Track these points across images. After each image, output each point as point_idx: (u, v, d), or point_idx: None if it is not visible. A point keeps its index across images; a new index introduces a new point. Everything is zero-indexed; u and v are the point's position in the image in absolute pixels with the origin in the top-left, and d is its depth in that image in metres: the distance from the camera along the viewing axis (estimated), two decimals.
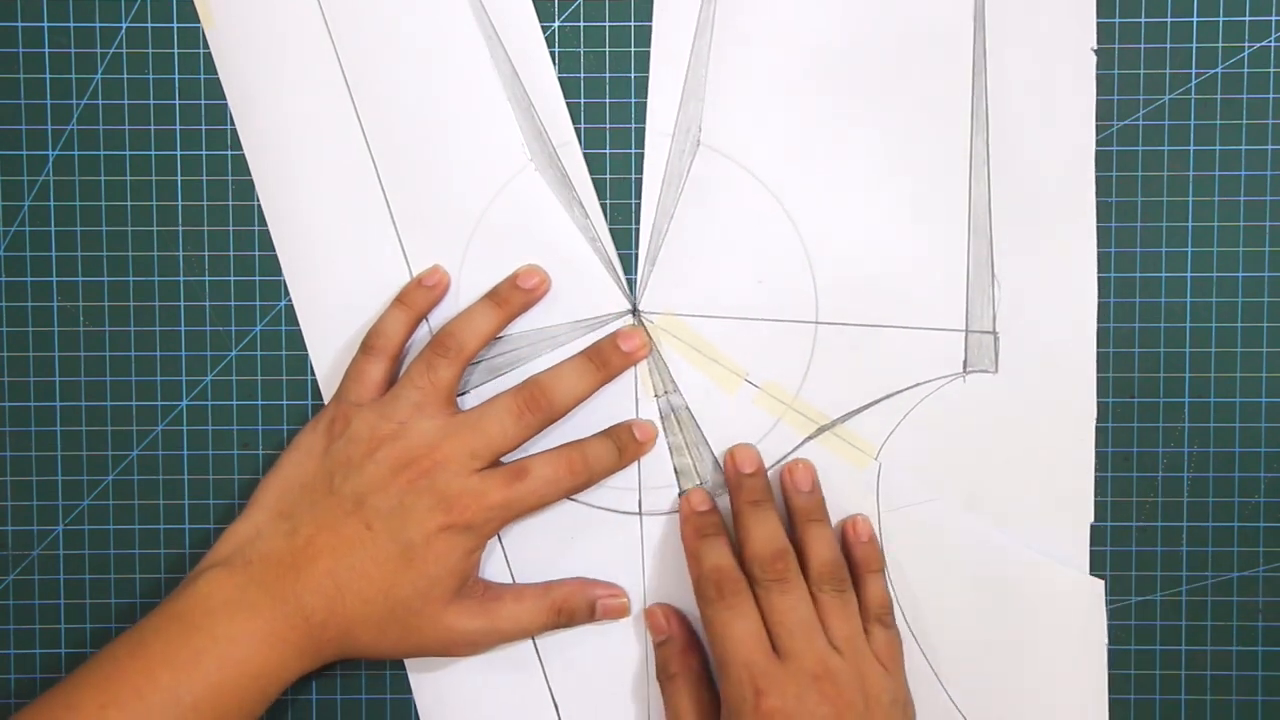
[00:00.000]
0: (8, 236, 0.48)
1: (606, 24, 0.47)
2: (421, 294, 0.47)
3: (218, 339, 0.48)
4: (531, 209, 0.47)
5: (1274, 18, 0.47)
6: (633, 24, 0.47)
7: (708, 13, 0.47)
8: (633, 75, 0.47)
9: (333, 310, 0.48)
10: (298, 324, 0.48)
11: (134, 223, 0.48)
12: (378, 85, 0.47)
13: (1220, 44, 0.47)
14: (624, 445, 0.47)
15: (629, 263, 0.48)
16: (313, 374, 0.48)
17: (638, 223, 0.48)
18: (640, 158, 0.47)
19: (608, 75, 0.47)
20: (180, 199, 0.48)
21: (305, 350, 0.48)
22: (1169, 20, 0.47)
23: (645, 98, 0.47)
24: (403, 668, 0.48)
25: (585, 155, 0.47)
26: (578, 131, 0.47)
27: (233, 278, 0.48)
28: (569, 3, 0.47)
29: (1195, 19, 0.47)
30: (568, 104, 0.47)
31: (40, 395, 0.48)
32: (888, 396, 0.47)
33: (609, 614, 0.47)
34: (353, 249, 0.47)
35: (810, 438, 0.48)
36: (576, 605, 0.46)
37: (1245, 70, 0.47)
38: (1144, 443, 0.47)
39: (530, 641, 0.48)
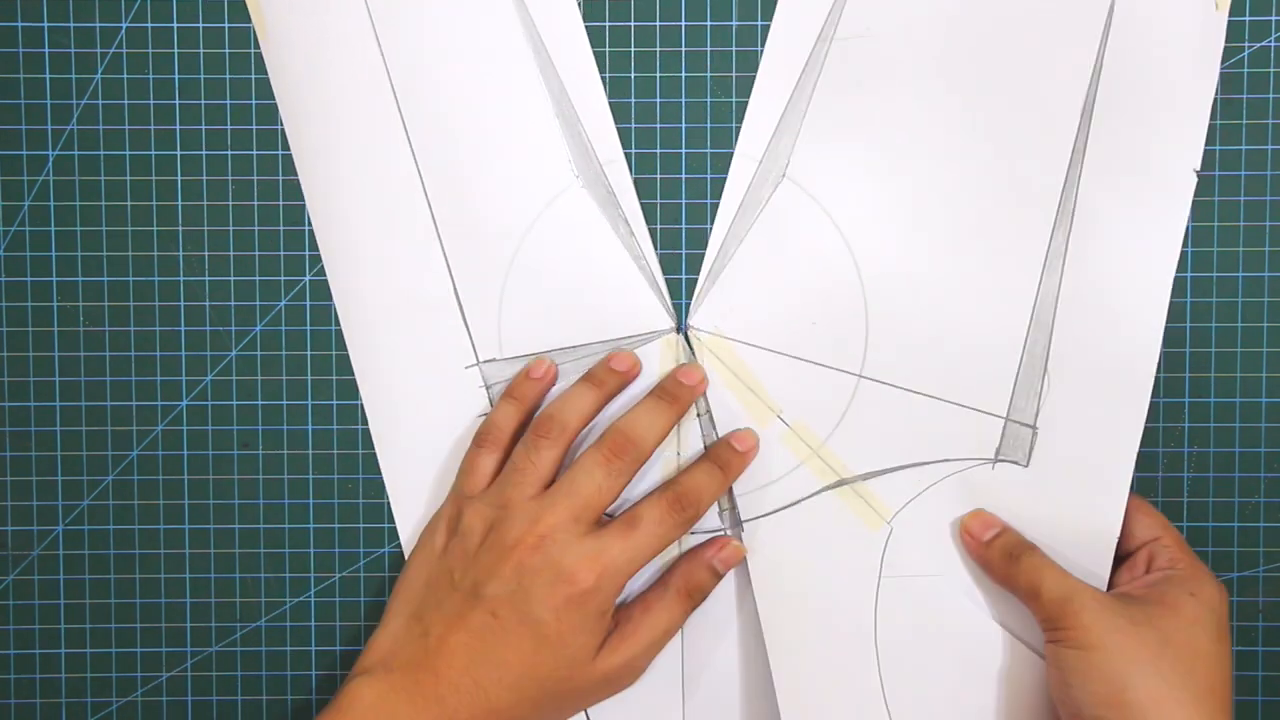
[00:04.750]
0: (8, 236, 0.48)
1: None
2: (529, 386, 0.47)
3: (218, 339, 0.48)
4: (577, 225, 0.47)
5: (1274, 18, 0.47)
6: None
7: (820, 51, 0.46)
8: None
9: (377, 321, 0.47)
10: (298, 324, 0.48)
11: (134, 223, 0.48)
12: (426, 100, 0.47)
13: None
14: (726, 462, 0.46)
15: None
16: (313, 374, 0.48)
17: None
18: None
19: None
20: (180, 199, 0.48)
21: (305, 350, 0.48)
22: None
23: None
24: None
25: (634, 179, 0.47)
26: (627, 156, 0.47)
27: (233, 278, 0.48)
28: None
29: None
30: (618, 128, 0.47)
31: (40, 395, 0.48)
32: (914, 465, 0.47)
33: (731, 564, 0.47)
34: (398, 262, 0.47)
35: (829, 487, 0.47)
36: (701, 580, 0.46)
37: (1245, 70, 0.47)
38: (1144, 443, 0.47)
39: None
